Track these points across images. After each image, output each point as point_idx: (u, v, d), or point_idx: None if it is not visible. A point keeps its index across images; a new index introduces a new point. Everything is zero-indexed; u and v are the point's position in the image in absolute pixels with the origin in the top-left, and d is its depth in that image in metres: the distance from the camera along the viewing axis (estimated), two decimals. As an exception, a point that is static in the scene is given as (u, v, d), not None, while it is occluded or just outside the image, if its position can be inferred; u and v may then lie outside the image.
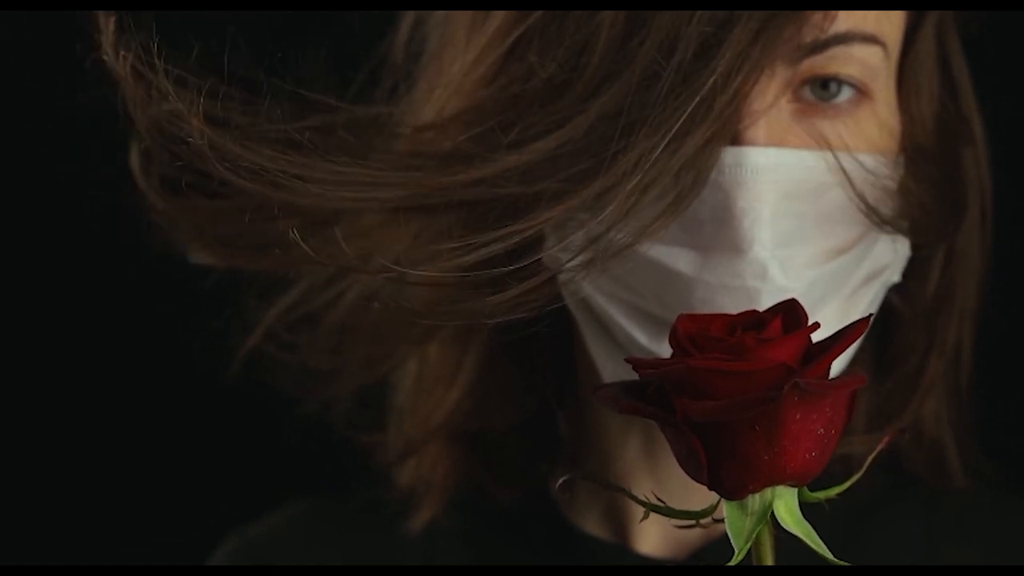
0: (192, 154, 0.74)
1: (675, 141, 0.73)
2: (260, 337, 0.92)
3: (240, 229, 0.82)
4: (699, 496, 0.64)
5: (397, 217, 0.77)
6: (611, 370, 0.85)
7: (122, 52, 0.74)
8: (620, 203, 0.73)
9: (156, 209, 0.83)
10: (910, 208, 0.83)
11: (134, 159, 0.81)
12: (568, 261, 0.75)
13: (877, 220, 0.81)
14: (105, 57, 0.75)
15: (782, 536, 0.61)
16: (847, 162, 0.80)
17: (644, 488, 0.87)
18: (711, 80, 0.73)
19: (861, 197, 0.80)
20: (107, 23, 0.74)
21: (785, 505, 0.60)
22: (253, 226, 0.80)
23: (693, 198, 0.76)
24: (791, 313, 0.62)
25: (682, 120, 0.73)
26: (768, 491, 0.60)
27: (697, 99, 0.73)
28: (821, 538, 0.60)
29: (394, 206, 0.76)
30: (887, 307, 0.88)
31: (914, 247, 0.86)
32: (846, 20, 0.80)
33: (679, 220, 0.79)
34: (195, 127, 0.73)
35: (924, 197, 0.83)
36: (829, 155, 0.80)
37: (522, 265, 0.73)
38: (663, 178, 0.74)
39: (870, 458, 0.64)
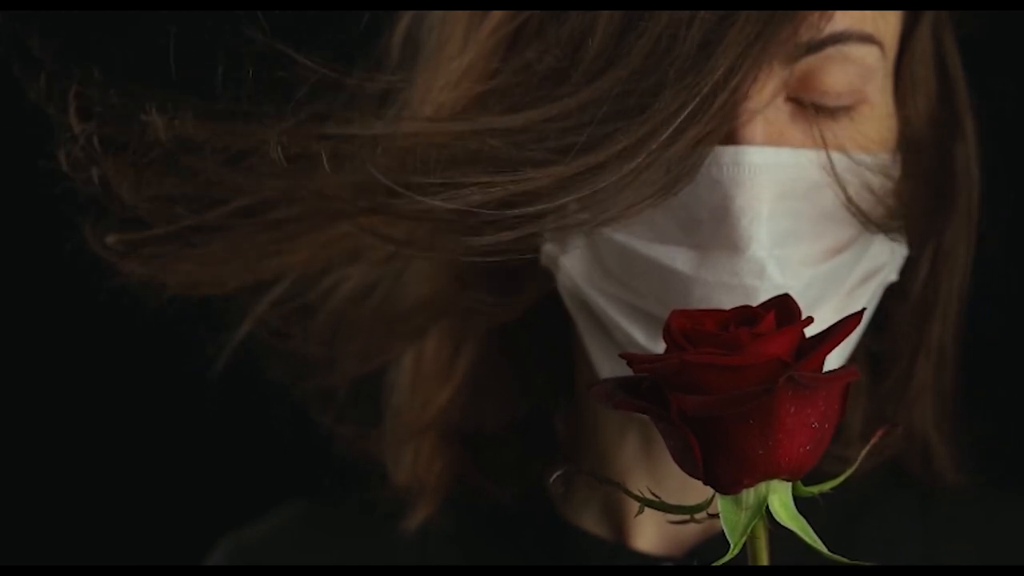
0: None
1: (673, 134, 0.73)
2: (253, 327, 0.91)
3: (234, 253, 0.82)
4: (696, 495, 0.64)
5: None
6: (609, 369, 0.85)
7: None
8: (614, 182, 0.73)
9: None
10: (903, 206, 0.83)
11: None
12: (556, 221, 0.76)
13: (867, 221, 0.81)
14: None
15: (780, 534, 0.61)
16: (843, 162, 0.80)
17: (641, 487, 0.87)
18: (711, 79, 0.74)
19: (851, 201, 0.80)
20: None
21: (780, 499, 0.60)
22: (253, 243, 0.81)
23: (681, 188, 0.76)
24: (784, 308, 0.62)
25: (682, 116, 0.73)
26: (763, 485, 0.60)
27: (698, 99, 0.73)
28: (816, 533, 0.61)
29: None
30: (883, 309, 0.88)
31: (909, 246, 0.86)
32: (843, 19, 0.80)
33: (677, 219, 0.79)
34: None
35: (916, 193, 0.83)
36: (826, 154, 0.80)
37: (513, 215, 0.73)
38: (656, 167, 0.74)
39: (863, 452, 0.64)
